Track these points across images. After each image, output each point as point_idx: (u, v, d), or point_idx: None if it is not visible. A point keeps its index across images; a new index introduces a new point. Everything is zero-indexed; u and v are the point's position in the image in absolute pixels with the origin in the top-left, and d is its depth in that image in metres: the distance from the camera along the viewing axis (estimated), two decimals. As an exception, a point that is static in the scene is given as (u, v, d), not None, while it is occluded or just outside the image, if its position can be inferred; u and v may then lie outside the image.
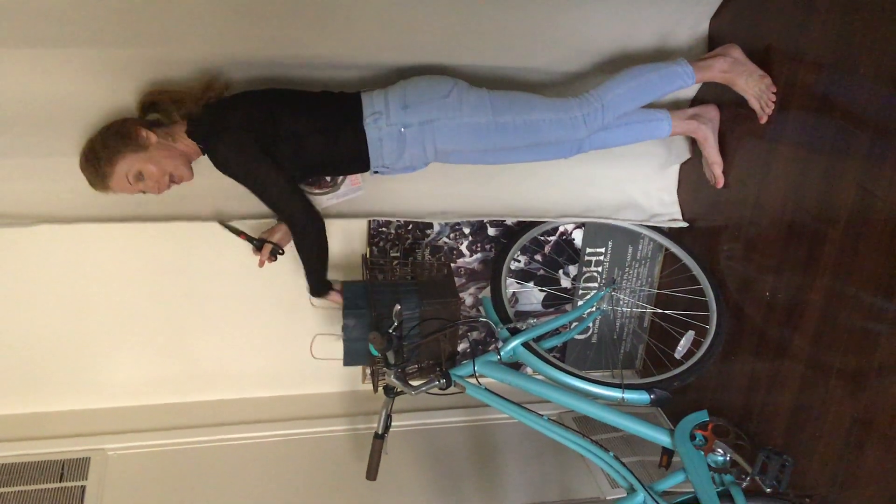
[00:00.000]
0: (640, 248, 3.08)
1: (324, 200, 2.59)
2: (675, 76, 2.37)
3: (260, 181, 2.22)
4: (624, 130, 2.47)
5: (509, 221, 2.90)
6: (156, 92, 2.27)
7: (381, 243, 2.85)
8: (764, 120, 2.33)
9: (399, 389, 2.15)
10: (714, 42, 2.61)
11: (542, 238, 2.96)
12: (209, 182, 2.40)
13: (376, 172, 2.38)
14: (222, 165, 2.22)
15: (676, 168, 2.91)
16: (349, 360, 2.43)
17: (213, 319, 2.85)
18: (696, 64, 2.39)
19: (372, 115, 2.24)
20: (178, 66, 2.28)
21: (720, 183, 2.60)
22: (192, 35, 2.24)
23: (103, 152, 2.15)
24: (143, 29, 2.20)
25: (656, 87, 2.38)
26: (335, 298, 2.46)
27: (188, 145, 2.25)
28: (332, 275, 2.77)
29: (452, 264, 2.95)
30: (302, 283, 2.49)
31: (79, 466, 2.59)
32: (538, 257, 3.01)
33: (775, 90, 2.31)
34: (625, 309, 3.18)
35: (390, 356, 2.13)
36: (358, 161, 2.30)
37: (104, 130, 2.19)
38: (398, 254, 2.88)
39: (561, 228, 2.97)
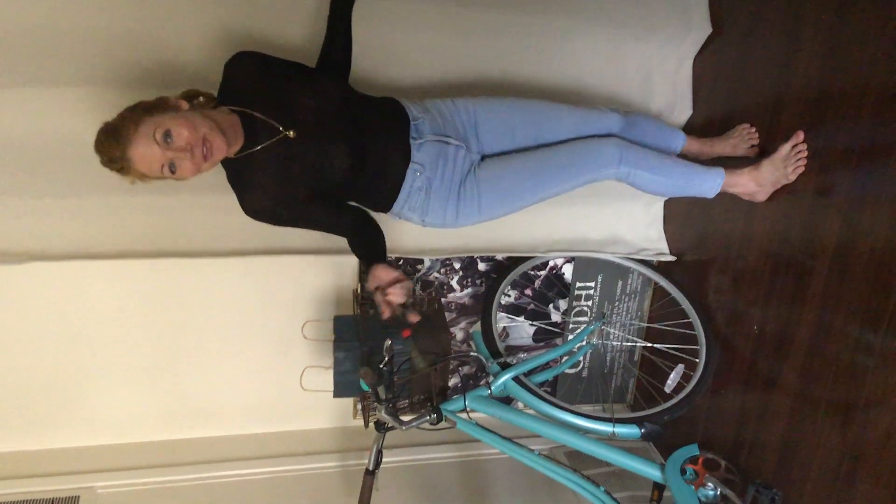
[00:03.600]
0: (629, 281, 3.10)
1: None
2: (709, 170, 2.32)
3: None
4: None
5: (499, 257, 2.92)
6: (198, 90, 2.08)
7: (372, 278, 2.86)
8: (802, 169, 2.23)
9: (390, 425, 2.15)
10: (697, 79, 2.67)
11: (532, 273, 2.98)
12: (202, 218, 2.41)
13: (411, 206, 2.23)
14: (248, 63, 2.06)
15: (661, 205, 2.95)
16: (339, 392, 2.43)
17: (204, 355, 2.84)
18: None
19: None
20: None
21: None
22: (188, 78, 2.27)
23: (127, 118, 1.86)
24: (136, 69, 2.22)
25: (690, 166, 2.33)
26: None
27: (224, 116, 1.97)
28: (322, 311, 2.78)
29: (443, 299, 2.96)
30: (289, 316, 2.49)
31: (68, 505, 2.57)
32: (528, 292, 3.02)
33: (797, 144, 2.21)
34: (615, 343, 3.19)
35: (381, 391, 2.14)
36: (393, 126, 2.17)
37: (128, 107, 1.91)
38: (389, 289, 2.88)
39: (551, 263, 2.99)
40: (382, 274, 2.05)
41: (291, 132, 1.99)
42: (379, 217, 2.28)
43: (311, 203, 2.11)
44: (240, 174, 2.04)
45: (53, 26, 2.13)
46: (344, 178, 2.08)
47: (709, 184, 2.31)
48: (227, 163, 2.03)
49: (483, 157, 2.30)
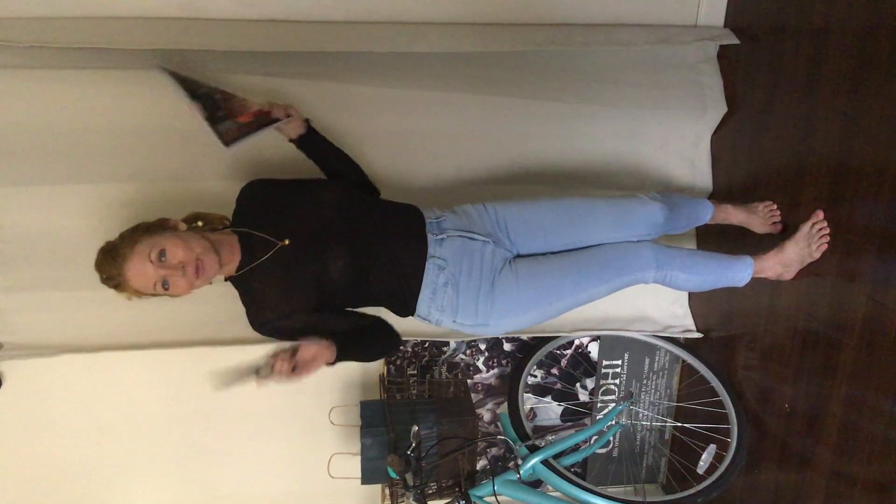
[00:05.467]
0: (656, 359, 3.08)
1: None
2: (738, 261, 2.31)
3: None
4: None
5: (525, 336, 2.92)
6: (201, 212, 2.16)
7: (399, 361, 2.86)
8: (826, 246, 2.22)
9: (419, 512, 2.13)
10: (715, 156, 2.70)
11: (557, 352, 2.97)
12: (228, 305, 2.44)
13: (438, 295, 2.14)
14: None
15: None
16: (367, 478, 2.42)
17: (230, 443, 2.84)
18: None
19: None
20: (197, 197, 2.37)
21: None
22: (206, 172, 2.35)
23: (126, 238, 1.94)
24: (157, 165, 2.31)
25: (721, 260, 2.32)
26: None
27: (221, 237, 2.03)
28: (348, 395, 2.78)
29: (469, 380, 2.95)
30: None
31: None
32: (555, 371, 3.01)
33: (816, 222, 2.20)
34: (644, 422, 3.15)
35: (409, 478, 2.12)
36: (405, 225, 2.15)
37: (129, 228, 1.99)
38: (415, 372, 2.89)
39: (576, 342, 2.98)
40: (312, 349, 1.87)
41: (286, 241, 2.02)
42: (408, 321, 2.25)
43: (319, 314, 2.07)
44: (246, 291, 2.07)
45: (82, 128, 2.24)
46: (346, 280, 2.04)
47: (739, 275, 2.31)
48: (235, 282, 2.08)
49: (516, 256, 2.25)
